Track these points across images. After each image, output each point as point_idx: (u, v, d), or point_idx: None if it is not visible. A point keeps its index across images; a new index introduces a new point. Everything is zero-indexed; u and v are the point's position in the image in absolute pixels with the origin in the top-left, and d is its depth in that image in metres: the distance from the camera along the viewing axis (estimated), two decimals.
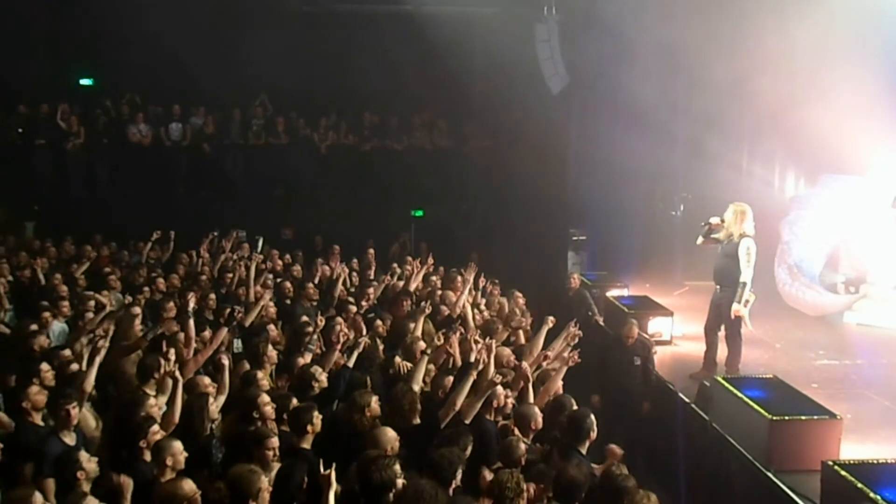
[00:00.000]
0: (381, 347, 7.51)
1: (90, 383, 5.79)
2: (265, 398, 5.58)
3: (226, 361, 6.13)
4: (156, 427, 5.10)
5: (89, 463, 4.64)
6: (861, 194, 10.96)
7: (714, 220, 8.34)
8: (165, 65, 14.70)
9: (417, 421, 5.59)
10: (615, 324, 10.22)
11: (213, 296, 8.85)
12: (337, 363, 6.63)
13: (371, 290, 9.49)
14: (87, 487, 4.55)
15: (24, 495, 4.10)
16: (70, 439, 5.21)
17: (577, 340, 7.11)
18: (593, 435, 5.60)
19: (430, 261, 10.55)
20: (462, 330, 7.56)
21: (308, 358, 6.68)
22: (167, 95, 15.57)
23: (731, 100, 12.09)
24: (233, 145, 15.76)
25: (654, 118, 12.99)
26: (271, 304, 8.69)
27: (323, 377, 6.18)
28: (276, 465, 4.78)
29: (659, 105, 13.13)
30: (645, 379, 8.32)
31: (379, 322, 8.06)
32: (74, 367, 6.15)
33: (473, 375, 5.77)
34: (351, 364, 6.44)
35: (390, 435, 5.05)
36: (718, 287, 8.31)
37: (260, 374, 6.30)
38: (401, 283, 10.18)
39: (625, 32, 13.15)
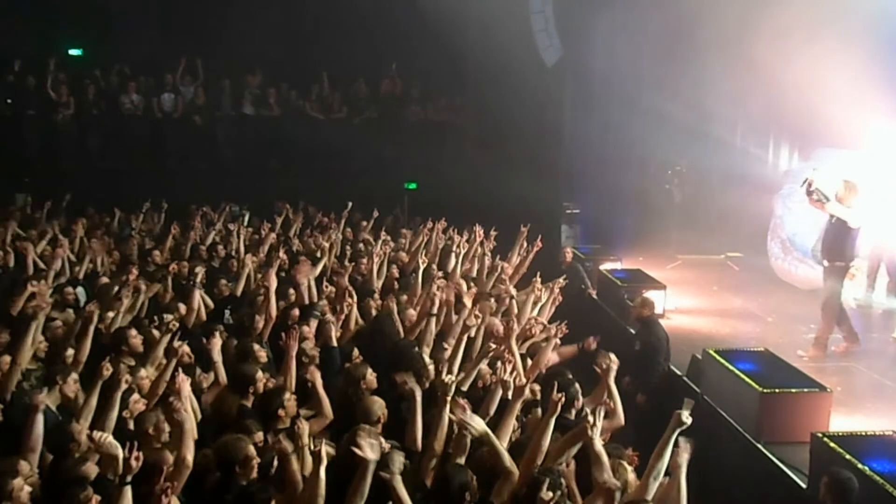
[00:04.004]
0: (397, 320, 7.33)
1: (84, 354, 5.78)
2: (261, 374, 5.55)
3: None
4: (136, 396, 5.09)
5: (80, 435, 4.64)
6: (855, 169, 10.91)
7: (811, 177, 8.24)
8: (154, 35, 14.51)
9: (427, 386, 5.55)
10: (609, 298, 10.25)
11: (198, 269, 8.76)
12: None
13: (365, 261, 9.46)
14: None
15: (11, 464, 4.09)
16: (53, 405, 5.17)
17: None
18: (578, 404, 5.63)
19: (443, 223, 10.59)
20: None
21: (313, 325, 6.68)
22: (156, 66, 15.37)
23: (725, 74, 12.02)
24: (224, 117, 15.62)
25: (648, 90, 12.92)
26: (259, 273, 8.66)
27: (314, 353, 6.14)
28: None
29: (654, 76, 13.06)
30: None
31: (376, 295, 8.02)
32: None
33: None
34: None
35: (378, 404, 5.06)
36: (826, 262, 8.31)
37: (256, 347, 6.23)
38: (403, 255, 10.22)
39: (619, 3, 13.05)
